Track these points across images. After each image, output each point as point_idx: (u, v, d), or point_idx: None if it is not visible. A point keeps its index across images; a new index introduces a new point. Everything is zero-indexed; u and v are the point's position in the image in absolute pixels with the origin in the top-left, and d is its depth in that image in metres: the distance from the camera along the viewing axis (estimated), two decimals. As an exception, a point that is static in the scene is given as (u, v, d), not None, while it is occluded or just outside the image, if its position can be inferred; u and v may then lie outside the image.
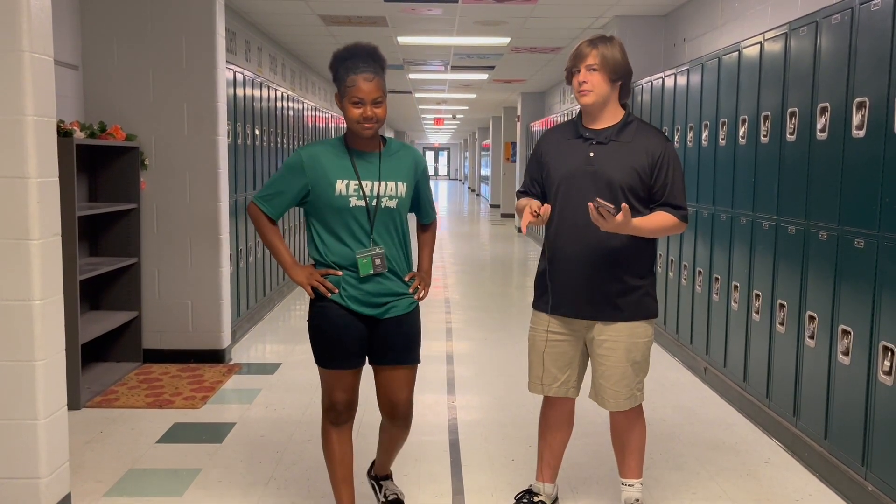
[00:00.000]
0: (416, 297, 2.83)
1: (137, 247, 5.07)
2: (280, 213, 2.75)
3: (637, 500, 2.95)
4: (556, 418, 3.04)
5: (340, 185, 2.66)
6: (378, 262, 2.68)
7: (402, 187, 2.73)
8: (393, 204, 2.71)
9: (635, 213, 2.76)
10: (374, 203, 2.68)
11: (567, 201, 2.84)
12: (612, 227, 2.61)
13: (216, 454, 3.70)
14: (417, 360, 2.83)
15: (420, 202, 2.90)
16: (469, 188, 35.88)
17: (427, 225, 3.03)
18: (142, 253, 5.11)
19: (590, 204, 2.59)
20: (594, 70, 2.75)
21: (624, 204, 2.60)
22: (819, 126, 3.58)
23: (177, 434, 3.96)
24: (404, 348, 2.78)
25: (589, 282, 2.80)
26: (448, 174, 54.79)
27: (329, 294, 2.70)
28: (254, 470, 3.51)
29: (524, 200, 2.91)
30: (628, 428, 2.95)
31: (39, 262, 2.79)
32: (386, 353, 2.76)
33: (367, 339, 2.75)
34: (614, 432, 2.99)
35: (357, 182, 2.66)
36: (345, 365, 2.74)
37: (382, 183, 2.69)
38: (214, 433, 3.97)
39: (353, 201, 2.66)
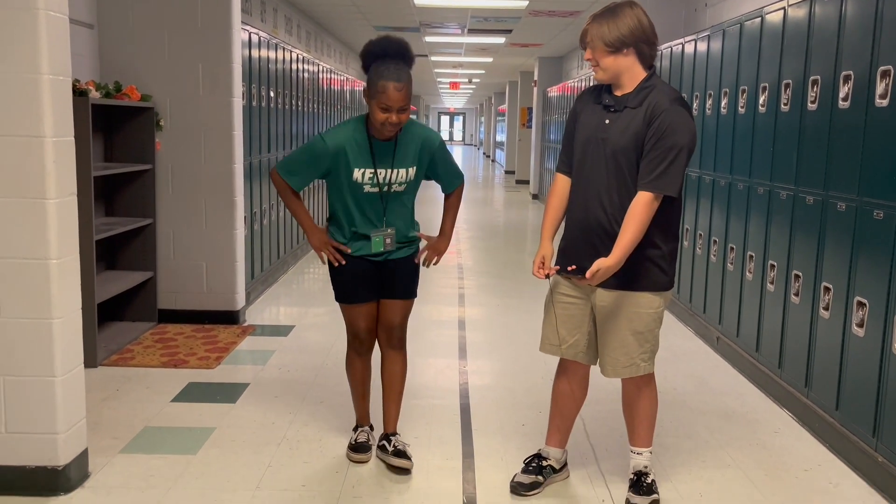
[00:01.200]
0: (423, 264, 3.21)
1: (153, 207, 5.10)
2: (303, 186, 3.08)
3: (645, 468, 2.97)
4: (569, 384, 3.05)
5: (357, 174, 2.98)
6: (388, 241, 3.07)
7: (412, 171, 3.05)
8: (402, 188, 3.06)
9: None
10: (385, 189, 3.02)
11: (581, 167, 2.85)
12: (602, 276, 2.67)
13: (230, 414, 3.75)
14: (413, 295, 3.25)
15: (439, 174, 3.15)
16: (484, 154, 35.72)
17: (451, 192, 3.24)
18: (157, 214, 5.13)
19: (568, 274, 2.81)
20: (593, 48, 2.76)
21: (594, 266, 2.65)
22: (842, 95, 3.52)
23: (191, 393, 4.01)
24: (402, 285, 3.19)
25: (592, 249, 2.77)
26: (463, 139, 54.50)
27: (337, 264, 3.08)
28: (267, 430, 3.55)
29: (553, 201, 2.96)
30: (637, 396, 2.95)
31: (56, 221, 2.80)
32: (388, 289, 3.17)
33: (377, 277, 3.14)
34: (625, 400, 3.00)
35: (373, 171, 2.98)
36: (362, 299, 3.15)
37: (394, 170, 3.01)
38: (228, 393, 4.02)
39: (367, 188, 3.00)
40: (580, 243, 2.83)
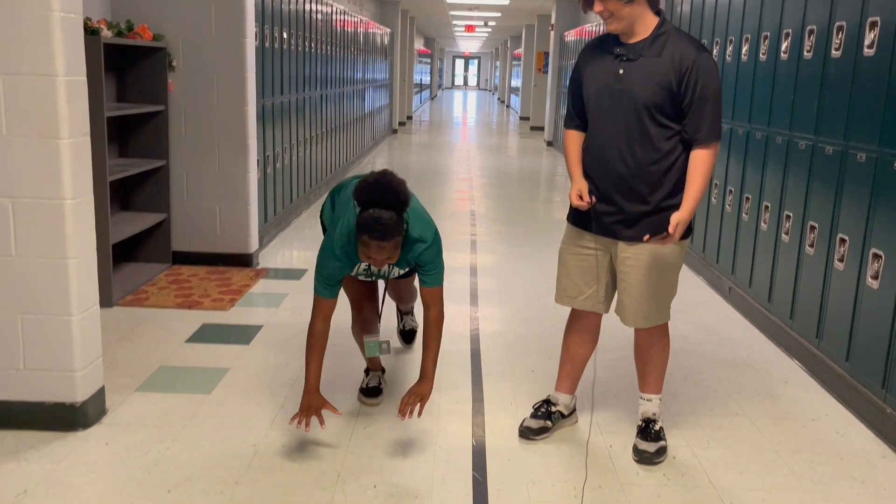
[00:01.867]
0: (403, 416, 2.83)
1: (166, 149, 5.09)
2: (338, 289, 2.92)
3: (654, 415, 3.00)
4: (580, 331, 3.07)
5: (356, 268, 2.93)
6: (384, 346, 3.02)
7: (407, 269, 3.02)
8: (398, 273, 3.05)
9: (667, 130, 2.71)
10: (381, 277, 3.04)
11: (597, 120, 2.80)
12: (678, 236, 2.66)
13: (243, 355, 3.80)
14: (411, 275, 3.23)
15: (421, 271, 2.91)
16: (499, 99, 35.32)
17: (428, 290, 2.89)
18: (170, 156, 5.13)
19: (646, 238, 2.69)
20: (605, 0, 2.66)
21: (672, 220, 2.62)
22: (867, 42, 3.43)
23: (205, 334, 4.06)
24: (403, 278, 3.23)
25: (613, 202, 2.77)
26: (477, 85, 53.86)
27: (306, 429, 2.84)
28: (280, 371, 3.60)
29: (572, 147, 2.91)
30: (651, 344, 2.97)
31: (69, 161, 2.80)
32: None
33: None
34: (637, 348, 3.02)
35: (366, 267, 2.92)
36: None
37: (388, 270, 2.98)
38: (242, 335, 4.07)
39: (362, 278, 3.04)
40: (599, 198, 2.80)
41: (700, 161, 2.69)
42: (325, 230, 3.15)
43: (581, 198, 2.79)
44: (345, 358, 3.61)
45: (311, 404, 2.82)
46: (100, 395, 3.08)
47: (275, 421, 3.10)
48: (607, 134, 2.77)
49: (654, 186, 2.74)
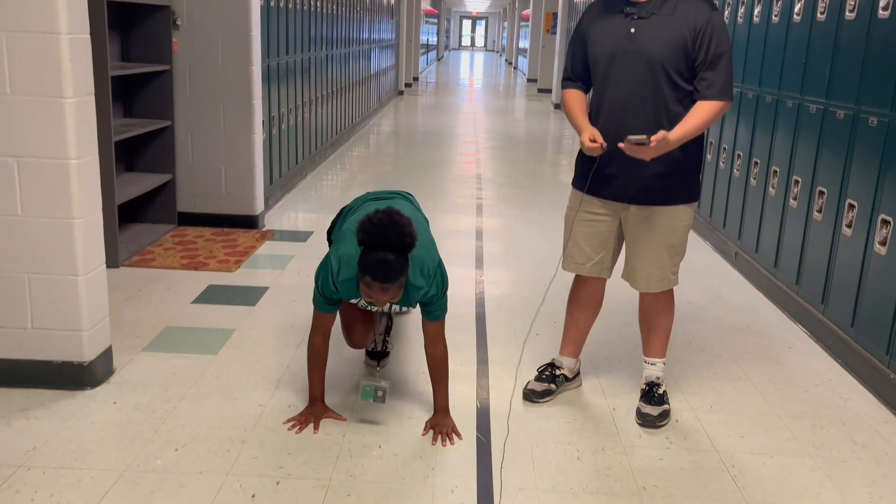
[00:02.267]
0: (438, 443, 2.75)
1: (171, 109, 5.06)
2: (339, 306, 2.80)
3: (658, 379, 3.01)
4: (585, 297, 3.07)
5: (358, 301, 2.83)
6: (380, 394, 2.84)
7: (410, 308, 2.89)
8: (400, 309, 2.90)
9: (679, 92, 2.68)
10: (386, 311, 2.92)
11: (607, 81, 2.75)
12: (654, 153, 2.57)
13: (249, 316, 3.81)
14: None
15: (423, 307, 2.76)
16: (506, 61, 34.96)
17: (434, 324, 2.77)
18: (175, 116, 5.10)
19: (620, 145, 2.57)
20: None
21: (660, 133, 2.53)
22: (882, 4, 3.37)
23: (211, 295, 4.07)
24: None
25: (628, 165, 2.73)
26: (485, 45, 53.27)
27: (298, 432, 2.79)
28: (286, 332, 3.62)
29: (575, 102, 2.84)
30: (658, 309, 2.97)
31: (74, 121, 2.79)
32: None
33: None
34: (642, 312, 3.02)
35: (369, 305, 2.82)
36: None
37: (390, 305, 2.82)
38: (248, 296, 4.08)
39: (362, 306, 2.94)
40: (611, 160, 2.75)
41: (707, 109, 2.65)
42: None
43: (594, 141, 2.69)
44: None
45: (314, 412, 2.82)
46: (107, 355, 3.11)
47: (280, 382, 3.12)
48: (620, 96, 2.72)
49: (670, 152, 2.68)
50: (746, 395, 3.21)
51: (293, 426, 2.78)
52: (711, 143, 5.52)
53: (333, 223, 3.14)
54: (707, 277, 4.73)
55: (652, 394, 2.97)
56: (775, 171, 4.39)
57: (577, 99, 2.87)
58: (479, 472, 2.57)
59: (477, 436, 2.79)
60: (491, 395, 3.10)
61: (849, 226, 3.55)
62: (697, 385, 3.27)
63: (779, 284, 4.26)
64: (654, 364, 3.02)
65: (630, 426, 2.91)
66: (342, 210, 3.11)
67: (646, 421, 2.90)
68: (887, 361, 3.18)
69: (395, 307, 2.85)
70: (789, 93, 4.29)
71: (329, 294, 2.69)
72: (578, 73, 2.88)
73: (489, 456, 2.67)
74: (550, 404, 3.05)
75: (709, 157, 5.56)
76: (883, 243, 3.26)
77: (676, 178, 2.75)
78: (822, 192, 3.84)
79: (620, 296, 3.48)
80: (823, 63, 3.90)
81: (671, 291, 2.96)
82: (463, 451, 2.69)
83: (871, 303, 3.35)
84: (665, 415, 2.93)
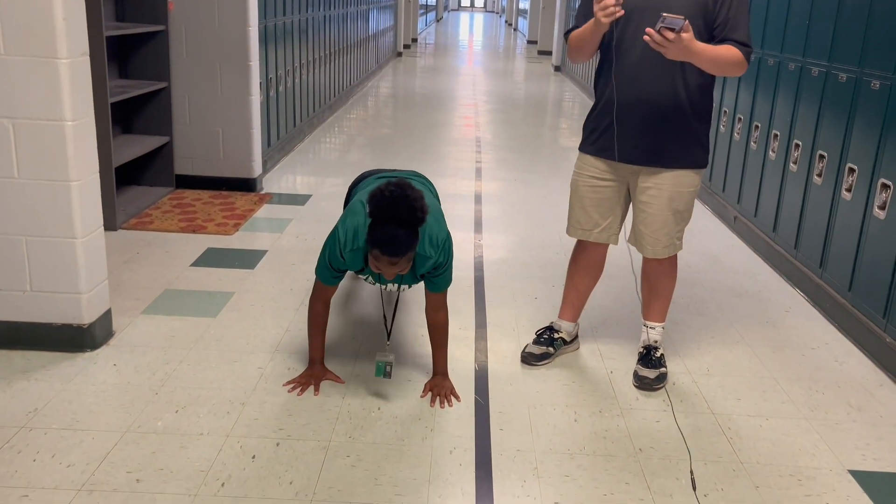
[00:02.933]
0: (437, 405, 2.76)
1: (167, 71, 5.00)
2: (341, 279, 2.77)
3: (656, 342, 3.02)
4: (587, 262, 3.06)
5: (366, 277, 2.79)
6: (388, 369, 2.84)
7: (415, 284, 2.79)
8: (406, 288, 2.84)
9: (701, 74, 2.64)
10: (390, 287, 2.83)
11: (622, 40, 2.67)
12: (676, 53, 2.44)
13: (248, 279, 3.82)
14: None
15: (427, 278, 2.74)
16: (506, 22, 34.55)
17: (437, 295, 2.77)
18: (171, 78, 5.05)
19: (649, 30, 2.41)
20: None
21: (686, 21, 2.39)
22: (888, -36, 3.32)
23: (210, 258, 4.07)
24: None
25: (640, 127, 2.70)
26: (485, 6, 52.60)
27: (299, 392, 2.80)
28: (285, 296, 3.62)
29: (584, 27, 2.71)
30: (661, 273, 2.96)
31: (69, 81, 2.76)
32: None
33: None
34: (646, 277, 3.01)
35: (377, 276, 2.73)
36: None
37: (396, 284, 2.79)
38: (246, 259, 4.08)
39: (366, 281, 2.84)
40: (623, 122, 2.71)
41: (731, 51, 2.56)
42: None
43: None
44: (353, 278, 3.62)
45: (314, 374, 2.83)
46: (107, 317, 3.11)
47: (280, 344, 3.13)
48: (634, 58, 2.65)
49: (684, 111, 2.68)
50: (743, 358, 3.23)
51: (293, 388, 2.80)
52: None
53: (346, 200, 3.11)
54: (706, 241, 4.73)
55: (650, 357, 2.99)
56: (776, 135, 4.37)
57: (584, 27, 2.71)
58: (477, 433, 2.59)
59: (475, 398, 2.81)
60: (489, 357, 3.12)
61: (848, 190, 3.54)
62: (695, 348, 3.29)
63: (777, 248, 4.26)
64: (654, 328, 3.03)
65: (627, 389, 2.93)
66: (352, 186, 3.10)
67: (643, 383, 2.92)
68: (884, 325, 3.20)
69: (403, 286, 2.80)
70: (791, 55, 4.24)
71: (337, 266, 2.67)
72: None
73: (487, 418, 2.69)
74: (548, 367, 3.07)
75: (709, 120, 5.52)
76: (882, 207, 3.25)
77: (687, 142, 2.72)
78: (822, 156, 3.82)
79: (620, 259, 3.48)
80: (826, 25, 3.85)
81: (675, 257, 2.96)
82: (461, 412, 2.71)
83: (869, 267, 3.36)
84: (662, 378, 2.95)
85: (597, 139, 2.82)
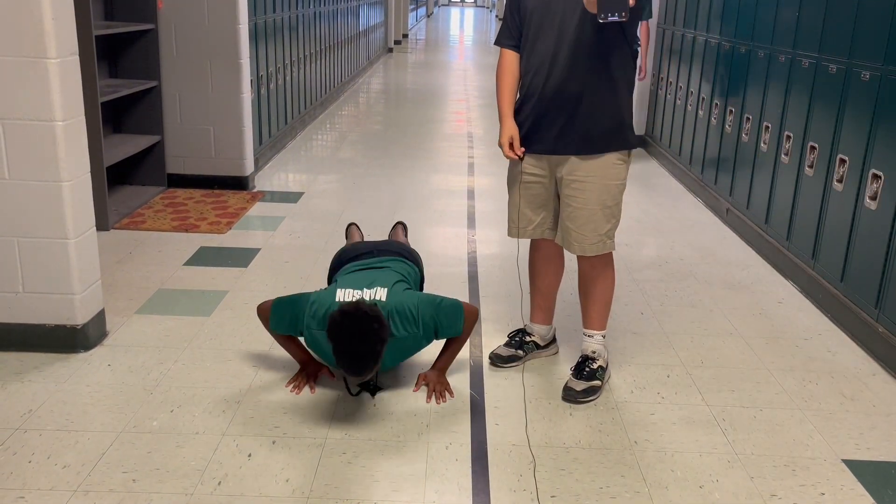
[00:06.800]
0: (434, 401, 2.76)
1: (157, 70, 4.99)
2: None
3: (593, 353, 2.87)
4: (543, 261, 2.99)
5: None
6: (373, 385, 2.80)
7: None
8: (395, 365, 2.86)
9: (618, 51, 2.59)
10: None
11: (539, 31, 2.65)
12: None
13: (242, 278, 3.81)
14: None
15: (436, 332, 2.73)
16: (497, 17, 34.50)
17: (454, 338, 2.79)
18: (162, 76, 5.03)
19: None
20: None
21: None
22: (876, -45, 3.33)
23: (203, 257, 4.06)
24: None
25: (560, 114, 2.65)
26: (475, 2, 52.55)
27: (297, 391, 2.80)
28: (278, 293, 3.59)
29: (507, 76, 2.76)
30: (593, 277, 2.85)
31: (58, 81, 2.74)
32: None
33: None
34: (580, 280, 2.90)
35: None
36: None
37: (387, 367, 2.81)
38: (240, 258, 4.08)
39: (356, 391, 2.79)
40: (545, 113, 2.68)
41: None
42: None
43: (512, 147, 2.71)
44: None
45: (308, 371, 2.83)
46: (100, 318, 3.11)
47: (274, 343, 3.13)
48: (550, 45, 2.61)
49: (603, 94, 2.62)
50: (737, 349, 3.24)
51: (294, 388, 2.79)
52: (703, 98, 5.49)
53: (329, 277, 3.12)
54: (698, 234, 4.74)
55: (582, 368, 2.84)
56: (767, 127, 4.38)
57: (510, 69, 2.76)
58: (472, 429, 2.60)
59: (471, 393, 2.82)
60: (484, 353, 3.12)
61: (840, 181, 3.56)
62: (688, 340, 3.30)
63: (769, 240, 4.28)
64: (592, 336, 2.88)
65: (620, 382, 2.94)
66: (333, 263, 3.12)
67: (567, 395, 2.77)
68: (876, 315, 3.21)
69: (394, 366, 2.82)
70: (782, 47, 4.26)
71: (293, 328, 2.70)
72: (517, 25, 2.74)
73: (483, 413, 2.69)
74: (542, 362, 3.07)
75: (700, 113, 5.53)
76: (873, 198, 3.27)
77: (611, 124, 2.66)
78: (813, 148, 3.83)
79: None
80: (816, 17, 3.86)
81: (609, 258, 2.84)
82: (457, 407, 2.72)
83: (861, 257, 3.38)
84: (591, 391, 2.77)
85: (523, 136, 2.76)
